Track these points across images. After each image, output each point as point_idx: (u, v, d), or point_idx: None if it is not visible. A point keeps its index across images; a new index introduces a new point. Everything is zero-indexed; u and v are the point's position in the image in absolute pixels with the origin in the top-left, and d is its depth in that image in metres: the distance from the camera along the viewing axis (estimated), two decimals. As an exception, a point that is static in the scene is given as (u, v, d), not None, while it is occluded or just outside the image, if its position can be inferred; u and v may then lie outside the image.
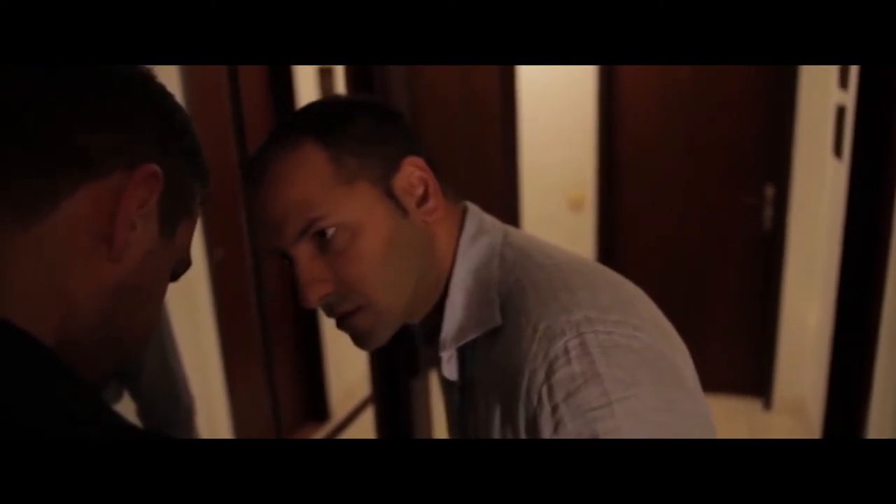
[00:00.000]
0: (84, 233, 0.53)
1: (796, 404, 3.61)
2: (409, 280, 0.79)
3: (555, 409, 0.68)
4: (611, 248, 3.85)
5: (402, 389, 1.91)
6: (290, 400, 3.44)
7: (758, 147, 3.49)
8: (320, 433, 3.51)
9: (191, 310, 2.61)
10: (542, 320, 0.72)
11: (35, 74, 0.54)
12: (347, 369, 3.69)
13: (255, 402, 2.82)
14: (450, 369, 0.83)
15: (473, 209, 0.85)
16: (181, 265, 0.64)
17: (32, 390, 0.48)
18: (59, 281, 0.52)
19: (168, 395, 1.66)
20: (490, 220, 0.85)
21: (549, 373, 0.69)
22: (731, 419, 3.57)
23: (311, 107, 0.82)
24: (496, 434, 0.77)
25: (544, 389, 0.69)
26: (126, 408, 1.66)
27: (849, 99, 2.66)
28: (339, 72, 3.45)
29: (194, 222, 0.64)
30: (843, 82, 2.88)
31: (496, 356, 0.77)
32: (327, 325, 3.50)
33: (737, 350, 3.75)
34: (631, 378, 0.68)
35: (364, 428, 2.08)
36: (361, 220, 0.75)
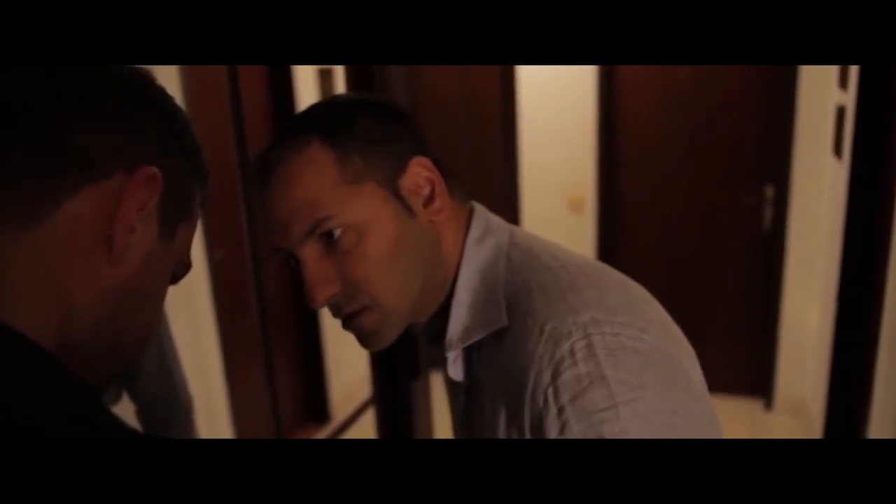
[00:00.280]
0: (84, 235, 0.53)
1: (797, 404, 3.61)
2: (415, 280, 0.79)
3: (560, 410, 0.68)
4: (610, 249, 3.85)
5: (402, 391, 1.91)
6: (290, 401, 3.44)
7: (758, 147, 3.49)
8: (321, 434, 3.51)
9: (191, 311, 2.60)
10: (548, 321, 0.72)
11: (36, 75, 0.54)
12: (348, 371, 3.69)
13: (255, 404, 2.81)
14: (455, 370, 0.83)
15: (480, 209, 0.85)
16: (181, 267, 0.64)
17: (30, 393, 0.48)
18: (59, 283, 0.52)
19: (167, 395, 1.66)
20: (497, 221, 0.85)
21: (555, 374, 0.69)
22: (731, 419, 3.57)
23: (317, 107, 0.82)
24: (501, 435, 0.76)
25: (550, 391, 0.69)
26: (125, 409, 1.65)
27: (849, 99, 2.66)
28: (339, 72, 3.45)
29: (194, 224, 0.64)
30: (843, 82, 2.88)
31: (502, 357, 0.76)
32: (328, 326, 3.50)
33: (737, 350, 3.75)
34: (637, 380, 0.67)
35: (365, 429, 2.08)
36: (368, 220, 0.75)
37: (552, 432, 0.68)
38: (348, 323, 0.80)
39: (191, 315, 2.60)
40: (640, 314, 0.73)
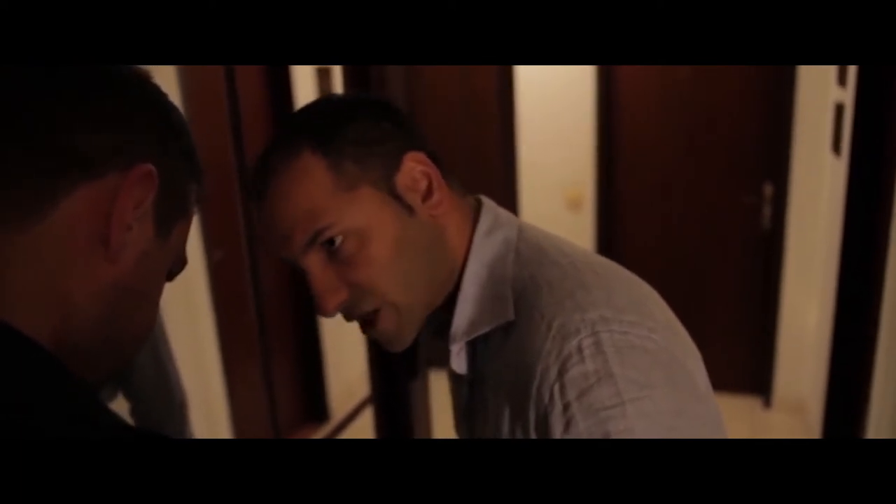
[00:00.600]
0: (81, 233, 0.53)
1: (796, 403, 3.62)
2: (422, 276, 0.79)
3: (566, 407, 0.68)
4: (609, 247, 3.85)
5: (401, 390, 1.91)
6: (289, 400, 3.44)
7: (756, 145, 3.49)
8: (320, 434, 3.51)
9: (190, 310, 2.60)
10: (556, 317, 0.71)
11: (33, 74, 0.54)
12: (347, 370, 3.69)
13: (254, 402, 2.81)
14: (459, 363, 0.82)
15: (489, 203, 0.85)
16: (177, 265, 0.64)
17: (30, 392, 0.48)
18: (56, 282, 0.52)
19: (161, 392, 1.66)
20: (505, 215, 0.84)
21: (562, 371, 0.69)
22: (731, 418, 3.56)
23: (305, 112, 0.81)
24: (505, 431, 0.76)
25: (556, 387, 0.69)
26: (119, 407, 1.65)
27: (847, 96, 2.66)
28: (338, 72, 3.44)
29: (189, 222, 0.64)
30: (842, 80, 2.88)
31: (508, 352, 0.76)
32: (327, 325, 3.50)
33: (736, 348, 3.75)
34: (645, 379, 0.67)
35: (363, 428, 2.08)
36: (368, 225, 0.74)
37: (557, 428, 0.68)
38: (367, 328, 0.80)
39: (190, 314, 2.60)
40: (648, 313, 0.73)
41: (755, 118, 3.47)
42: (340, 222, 0.73)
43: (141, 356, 1.60)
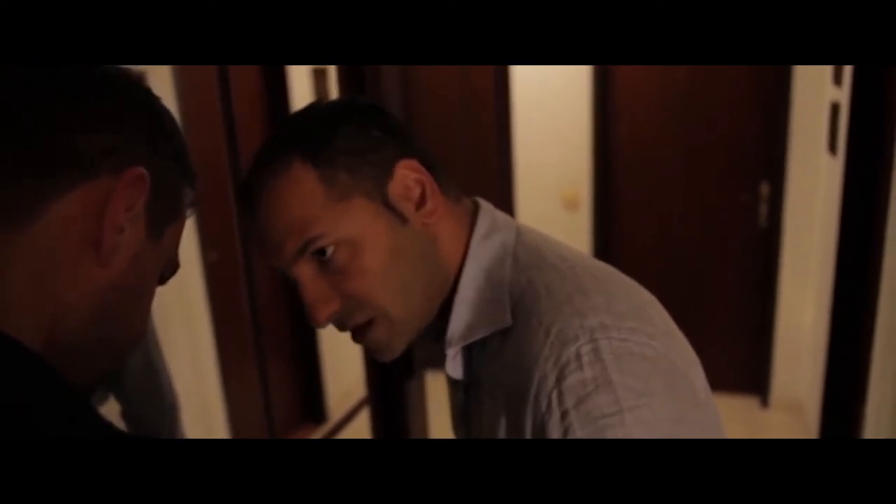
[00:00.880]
0: (72, 235, 0.53)
1: (793, 402, 3.62)
2: (416, 286, 0.77)
3: (564, 415, 0.67)
4: (606, 247, 3.86)
5: (398, 391, 1.91)
6: (287, 401, 3.43)
7: (752, 144, 3.50)
8: (318, 435, 3.51)
9: (187, 312, 2.60)
10: (554, 323, 0.70)
11: (28, 75, 0.54)
12: (345, 371, 3.69)
13: (251, 404, 2.81)
14: (454, 367, 0.81)
15: (486, 206, 0.84)
16: (169, 268, 0.64)
17: (17, 395, 0.47)
18: (48, 284, 0.52)
19: (153, 394, 1.65)
20: (503, 218, 0.83)
21: (560, 378, 0.68)
22: (728, 417, 3.56)
23: (295, 120, 0.79)
24: (501, 435, 0.75)
25: (554, 395, 0.68)
26: (111, 409, 1.65)
27: (843, 95, 2.66)
28: (334, 72, 3.44)
29: (182, 224, 0.64)
30: (838, 79, 2.88)
31: (505, 357, 0.75)
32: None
33: (734, 348, 3.75)
34: (644, 387, 0.66)
35: (360, 430, 2.08)
36: (360, 235, 0.73)
37: (555, 436, 0.67)
38: (358, 336, 0.79)
39: (186, 316, 2.60)
40: (647, 319, 0.72)
41: (751, 117, 3.48)
42: (332, 232, 0.73)
43: (132, 358, 1.59)
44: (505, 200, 3.74)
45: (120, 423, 1.66)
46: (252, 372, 1.75)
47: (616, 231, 3.87)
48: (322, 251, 0.73)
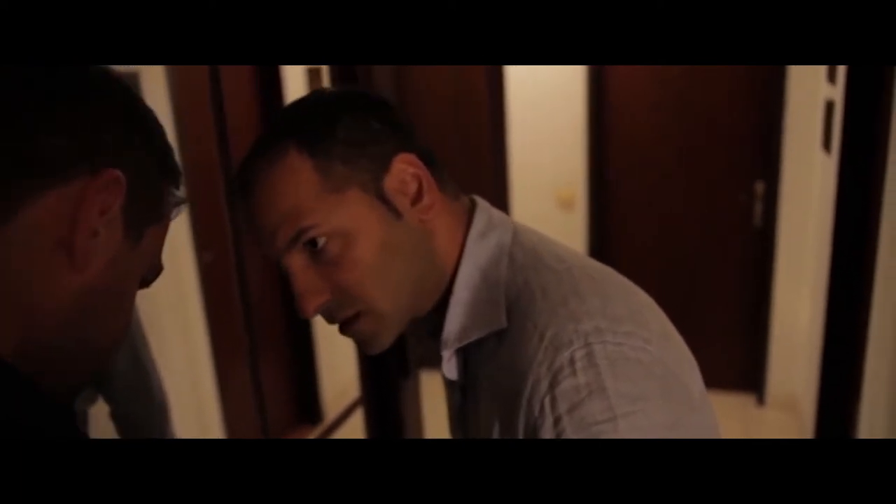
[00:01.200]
0: (45, 239, 0.52)
1: (789, 399, 3.63)
2: (407, 282, 0.77)
3: (557, 420, 0.66)
4: (601, 247, 3.86)
5: (392, 391, 1.90)
6: (282, 402, 3.43)
7: (747, 143, 3.51)
8: (313, 435, 3.50)
9: (181, 313, 2.60)
10: (549, 327, 0.69)
11: None
12: (341, 370, 3.68)
13: (246, 404, 2.81)
14: (450, 368, 0.81)
15: (483, 204, 0.83)
16: (152, 271, 0.62)
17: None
18: (20, 288, 0.51)
19: (141, 394, 1.64)
20: (499, 216, 0.82)
21: (553, 383, 0.67)
22: (724, 415, 3.55)
23: (293, 109, 0.79)
24: (495, 437, 0.75)
25: (547, 400, 0.67)
26: (100, 410, 1.64)
27: (837, 93, 2.66)
28: (327, 72, 3.43)
29: (165, 226, 0.62)
30: (832, 77, 2.89)
31: (500, 359, 0.74)
32: (320, 327, 3.49)
33: (729, 346, 3.76)
34: (638, 392, 0.66)
35: (355, 429, 2.08)
36: (353, 227, 0.73)
37: None
38: (345, 329, 0.78)
39: (181, 316, 2.60)
40: (644, 323, 0.71)
41: (746, 116, 3.48)
42: (325, 223, 0.72)
43: (120, 359, 1.58)
44: (500, 200, 3.74)
45: (109, 424, 1.65)
46: (247, 372, 1.75)
47: (611, 231, 3.87)
48: (314, 242, 0.72)
